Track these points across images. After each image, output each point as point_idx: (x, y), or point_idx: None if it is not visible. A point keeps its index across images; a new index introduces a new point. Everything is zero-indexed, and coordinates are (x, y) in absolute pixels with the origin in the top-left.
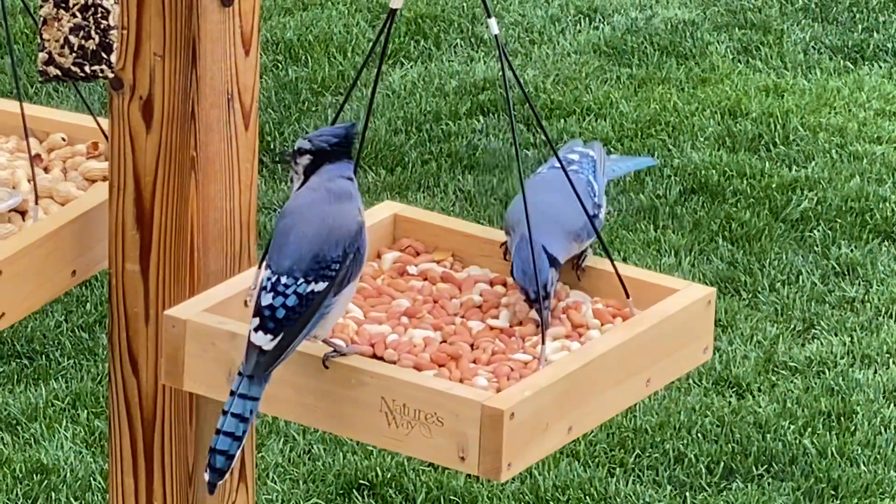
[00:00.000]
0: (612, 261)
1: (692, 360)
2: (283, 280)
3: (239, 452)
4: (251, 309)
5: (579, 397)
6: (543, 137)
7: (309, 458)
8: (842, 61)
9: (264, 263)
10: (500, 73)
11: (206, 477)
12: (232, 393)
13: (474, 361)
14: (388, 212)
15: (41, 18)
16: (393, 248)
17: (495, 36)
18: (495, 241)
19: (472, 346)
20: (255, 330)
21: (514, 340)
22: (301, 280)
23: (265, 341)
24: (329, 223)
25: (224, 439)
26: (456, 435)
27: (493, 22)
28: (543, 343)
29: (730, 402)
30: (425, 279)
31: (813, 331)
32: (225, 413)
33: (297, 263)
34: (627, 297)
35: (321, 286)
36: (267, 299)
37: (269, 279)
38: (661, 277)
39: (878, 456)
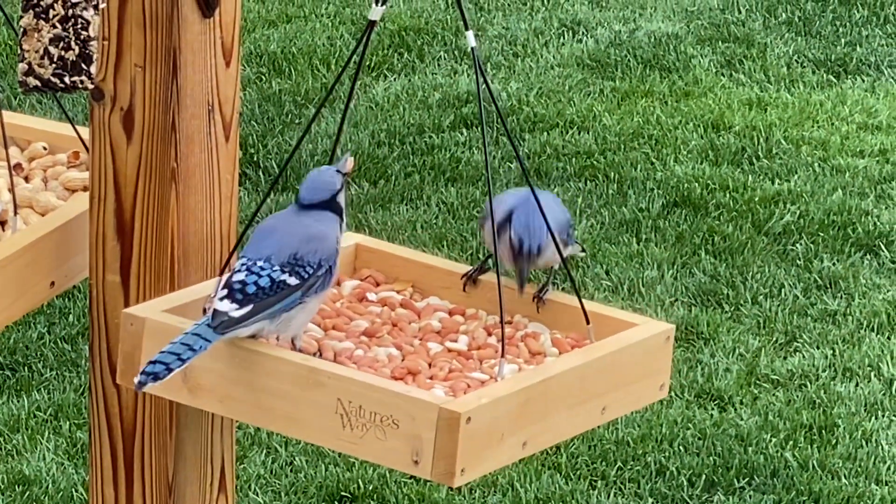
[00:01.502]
0: (575, 287)
1: (648, 394)
2: (260, 264)
3: (175, 374)
4: (217, 293)
5: (536, 413)
6: (524, 151)
7: (291, 470)
8: (825, 75)
9: (237, 255)
10: (481, 86)
11: (137, 378)
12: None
13: (431, 377)
14: (350, 241)
15: (21, 29)
16: (353, 277)
17: (472, 49)
18: (456, 273)
19: (429, 365)
20: (221, 300)
21: (472, 362)
22: (276, 268)
23: (231, 309)
24: (311, 233)
25: (168, 355)
26: (411, 438)
27: (470, 35)
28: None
29: (711, 415)
30: (384, 305)
31: (795, 344)
32: (174, 342)
33: (276, 255)
34: (588, 322)
35: (293, 280)
36: (239, 276)
37: (243, 264)
38: (622, 312)
39: (860, 469)
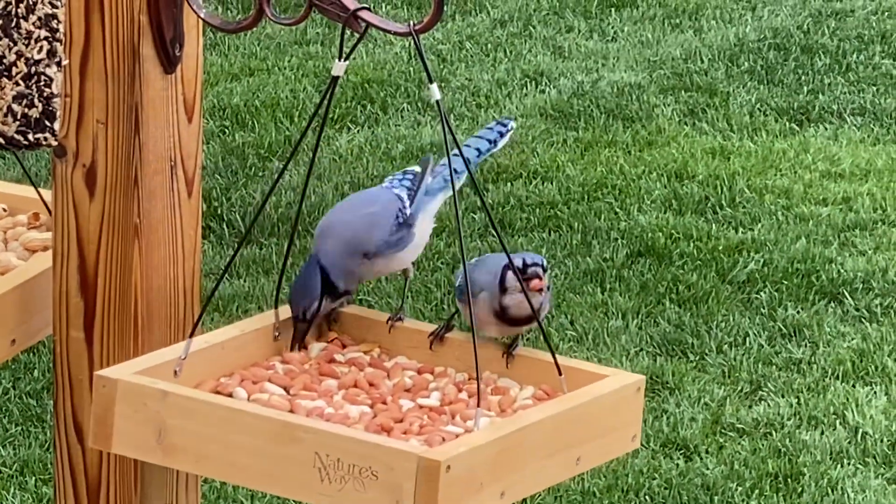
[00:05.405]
0: (547, 341)
1: (621, 445)
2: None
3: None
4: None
5: (513, 462)
6: (487, 201)
7: None
8: (787, 123)
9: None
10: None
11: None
12: None
13: (405, 432)
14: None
15: None
16: (320, 340)
17: (437, 102)
18: (423, 332)
19: (401, 420)
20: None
21: (445, 417)
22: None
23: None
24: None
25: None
26: (390, 489)
27: (434, 87)
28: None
29: (677, 465)
30: (353, 366)
31: (760, 392)
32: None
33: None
34: (560, 374)
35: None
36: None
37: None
38: (590, 364)
39: None
